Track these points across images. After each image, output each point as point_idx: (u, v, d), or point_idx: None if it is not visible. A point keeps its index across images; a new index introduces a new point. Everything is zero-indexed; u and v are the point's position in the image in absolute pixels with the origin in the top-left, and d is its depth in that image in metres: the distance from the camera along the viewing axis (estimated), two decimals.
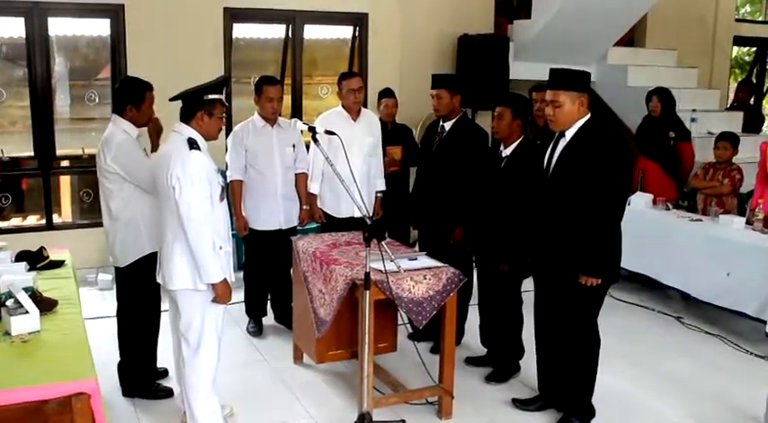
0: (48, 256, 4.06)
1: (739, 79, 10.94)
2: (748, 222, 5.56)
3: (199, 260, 3.40)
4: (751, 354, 5.11)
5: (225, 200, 3.62)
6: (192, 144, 3.44)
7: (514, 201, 4.22)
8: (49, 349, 2.97)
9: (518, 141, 4.39)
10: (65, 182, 6.81)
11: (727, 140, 6.19)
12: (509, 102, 4.46)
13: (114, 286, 4.27)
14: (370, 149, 5.27)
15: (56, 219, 6.63)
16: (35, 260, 3.97)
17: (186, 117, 3.53)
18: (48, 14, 6.24)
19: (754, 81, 10.87)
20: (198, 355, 3.55)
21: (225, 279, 3.48)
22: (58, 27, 6.42)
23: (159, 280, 3.67)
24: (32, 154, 6.40)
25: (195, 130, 3.51)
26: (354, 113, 5.21)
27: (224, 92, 3.63)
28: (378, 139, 5.36)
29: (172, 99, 3.56)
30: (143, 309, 4.15)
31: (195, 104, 3.51)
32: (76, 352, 2.94)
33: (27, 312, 3.10)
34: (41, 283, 3.61)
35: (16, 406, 2.51)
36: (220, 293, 3.48)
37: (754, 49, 11.20)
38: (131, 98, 3.99)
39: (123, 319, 4.19)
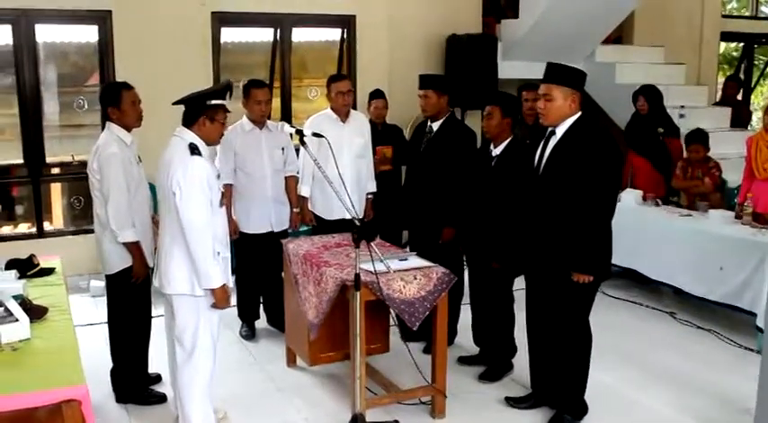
0: (38, 264, 4.04)
1: (728, 75, 10.98)
2: (737, 216, 5.58)
3: (199, 265, 3.40)
4: (743, 347, 5.13)
5: (224, 206, 3.62)
6: (194, 149, 3.44)
7: (505, 199, 4.22)
8: (39, 356, 2.96)
9: (508, 140, 4.41)
10: (55, 189, 6.81)
11: (698, 143, 6.19)
12: (498, 101, 4.47)
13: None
14: (360, 151, 5.28)
15: (47, 226, 6.61)
16: (25, 268, 3.95)
17: (188, 122, 3.54)
18: (35, 22, 6.23)
19: (742, 76, 10.90)
20: (192, 360, 3.55)
21: (224, 284, 3.48)
22: (46, 34, 6.40)
23: (156, 283, 3.67)
24: (22, 161, 6.38)
25: (197, 135, 3.51)
26: (344, 115, 5.22)
27: (228, 97, 3.62)
28: (368, 141, 5.37)
29: (175, 103, 3.56)
30: (133, 315, 4.14)
31: (198, 109, 3.51)
32: (67, 359, 2.93)
33: (17, 320, 3.08)
34: (31, 290, 3.60)
35: (7, 414, 2.50)
36: (219, 299, 3.48)
37: (742, 44, 11.24)
38: (109, 100, 4.01)
39: (114, 326, 4.18)
